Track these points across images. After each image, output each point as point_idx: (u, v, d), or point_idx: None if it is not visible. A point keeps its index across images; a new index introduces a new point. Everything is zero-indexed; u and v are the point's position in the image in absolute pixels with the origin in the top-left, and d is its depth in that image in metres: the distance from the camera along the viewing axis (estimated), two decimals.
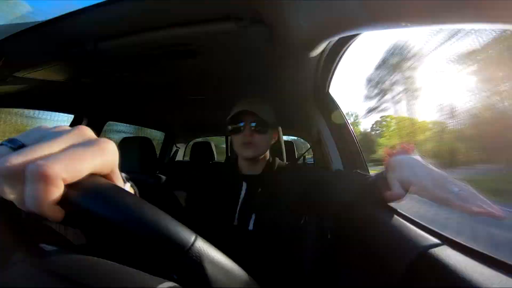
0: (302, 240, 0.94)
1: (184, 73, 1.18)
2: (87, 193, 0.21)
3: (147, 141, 1.77)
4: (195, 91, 1.49)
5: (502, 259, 0.41)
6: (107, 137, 0.27)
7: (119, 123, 2.21)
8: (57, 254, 0.29)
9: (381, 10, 0.50)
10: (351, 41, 0.91)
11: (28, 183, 0.20)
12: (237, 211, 0.85)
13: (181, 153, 3.04)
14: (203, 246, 0.23)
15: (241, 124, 0.89)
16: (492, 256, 0.43)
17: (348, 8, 0.57)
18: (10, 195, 0.21)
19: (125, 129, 2.46)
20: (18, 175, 0.20)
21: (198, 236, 0.24)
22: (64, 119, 1.66)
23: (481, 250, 0.45)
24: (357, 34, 0.82)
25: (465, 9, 0.27)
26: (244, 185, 0.89)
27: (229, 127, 0.92)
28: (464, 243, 0.49)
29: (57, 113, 1.61)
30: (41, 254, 0.28)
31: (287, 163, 1.04)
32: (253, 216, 0.84)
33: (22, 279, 0.25)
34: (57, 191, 0.20)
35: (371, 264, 0.69)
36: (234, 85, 1.36)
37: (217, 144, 3.02)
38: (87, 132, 0.25)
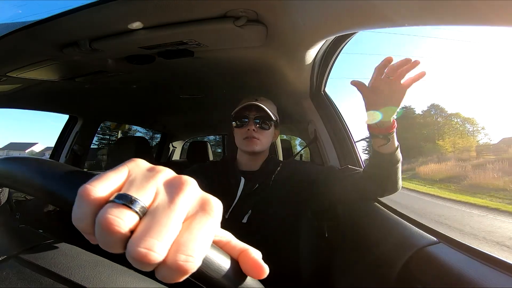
0: (298, 238, 0.95)
1: (180, 72, 1.17)
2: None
3: (143, 141, 1.76)
4: (192, 91, 1.48)
5: (498, 257, 0.42)
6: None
7: None
8: (50, 252, 0.29)
9: (377, 9, 0.51)
10: (348, 39, 0.92)
11: (168, 271, 0.19)
12: (233, 206, 0.85)
13: (178, 152, 3.03)
14: None
15: (246, 120, 0.92)
16: (488, 253, 0.43)
17: (345, 7, 0.58)
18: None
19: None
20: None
21: None
22: None
23: (477, 248, 0.46)
24: (354, 33, 0.83)
25: (464, 10, 0.27)
26: (242, 180, 0.90)
27: (234, 122, 0.95)
28: (460, 241, 0.49)
29: None
30: (33, 251, 0.28)
31: (283, 161, 1.05)
32: (249, 212, 0.85)
33: (14, 275, 0.25)
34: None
35: (367, 261, 0.70)
36: (231, 84, 1.36)
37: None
38: (197, 189, 0.23)
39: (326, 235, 1.09)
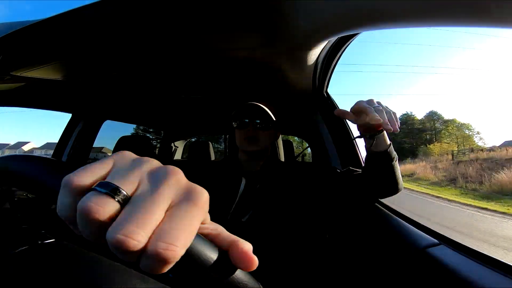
0: (299, 238, 0.95)
1: (182, 72, 1.17)
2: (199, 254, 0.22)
3: (145, 140, 1.76)
4: (193, 90, 1.48)
5: (499, 258, 0.42)
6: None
7: None
8: (51, 251, 0.29)
9: (381, 9, 0.50)
10: (350, 40, 0.92)
11: (148, 259, 0.18)
12: (234, 207, 0.85)
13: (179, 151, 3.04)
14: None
15: (246, 120, 0.92)
16: (489, 255, 0.43)
17: (347, 8, 0.57)
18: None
19: None
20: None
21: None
22: None
23: (478, 249, 0.46)
24: (356, 34, 0.83)
25: (467, 10, 0.27)
26: (243, 181, 0.90)
27: (234, 122, 0.95)
28: (461, 242, 0.49)
29: None
30: (34, 251, 0.28)
31: (284, 161, 1.06)
32: (250, 212, 0.85)
33: (15, 274, 0.25)
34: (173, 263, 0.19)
35: (368, 262, 0.70)
36: (233, 84, 1.36)
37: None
38: (182, 179, 0.22)
39: (327, 236, 1.09)
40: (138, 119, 2.36)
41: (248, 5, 0.66)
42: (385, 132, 0.74)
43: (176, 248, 0.18)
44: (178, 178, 0.22)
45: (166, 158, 2.75)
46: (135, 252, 0.18)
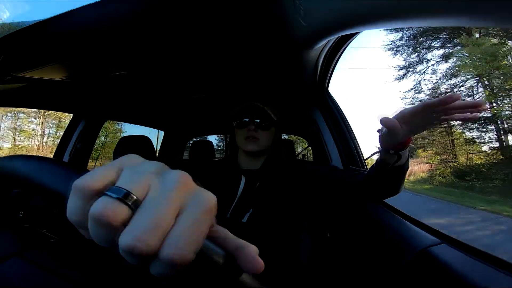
0: (299, 237, 0.95)
1: (183, 71, 1.17)
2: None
3: (146, 140, 1.77)
4: (195, 90, 1.48)
5: (501, 257, 0.42)
6: None
7: None
8: (53, 251, 0.29)
9: (382, 8, 0.50)
10: (351, 39, 0.91)
11: (161, 265, 0.19)
12: (234, 205, 0.85)
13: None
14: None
15: (246, 119, 0.92)
16: (491, 254, 0.43)
17: (349, 6, 0.57)
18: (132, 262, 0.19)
19: None
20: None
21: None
22: None
23: (480, 248, 0.46)
24: (357, 32, 0.82)
25: (469, 8, 0.27)
26: (243, 179, 0.90)
27: (234, 122, 0.95)
28: (463, 241, 0.49)
29: None
30: (37, 250, 0.28)
31: (285, 160, 1.05)
32: (250, 211, 0.85)
33: (18, 273, 0.25)
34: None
35: (369, 262, 0.70)
36: (233, 83, 1.36)
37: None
38: (191, 183, 0.22)
39: (328, 235, 1.09)
40: (139, 119, 2.36)
41: (250, 5, 0.66)
42: (407, 148, 0.67)
43: (187, 253, 0.19)
44: (187, 183, 0.22)
45: (168, 158, 2.76)
46: (147, 257, 0.18)
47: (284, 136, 3.72)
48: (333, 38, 0.81)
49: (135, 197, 0.20)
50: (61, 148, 1.66)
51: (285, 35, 0.80)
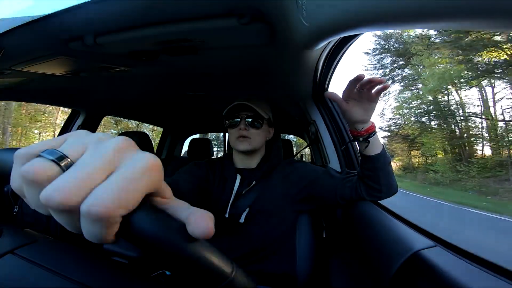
0: (295, 238, 0.95)
1: (183, 69, 1.17)
2: (139, 220, 0.20)
3: (144, 136, 1.76)
4: (195, 87, 1.48)
5: (494, 261, 0.42)
6: None
7: None
8: (46, 247, 0.29)
9: (384, 9, 0.50)
10: (352, 40, 0.91)
11: (85, 221, 0.18)
12: (230, 204, 0.86)
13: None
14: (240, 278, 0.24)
15: (237, 119, 0.92)
16: (484, 258, 0.44)
17: (350, 8, 0.57)
18: (65, 224, 0.19)
19: None
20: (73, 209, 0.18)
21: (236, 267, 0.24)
22: None
23: (473, 252, 0.46)
24: (358, 34, 0.82)
25: (471, 11, 0.27)
26: (238, 177, 0.90)
27: (226, 122, 0.95)
28: (457, 245, 0.49)
29: None
30: (30, 248, 0.29)
31: (281, 159, 1.05)
32: (247, 210, 0.85)
33: (11, 271, 0.25)
34: (115, 226, 0.19)
35: (363, 263, 0.70)
36: (234, 82, 1.36)
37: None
38: (132, 145, 0.22)
39: (324, 236, 1.10)
40: (138, 116, 2.36)
41: (250, 5, 0.66)
42: (377, 135, 0.76)
43: (110, 207, 0.18)
44: (127, 146, 0.21)
45: (167, 155, 2.75)
46: (69, 211, 0.18)
47: (290, 137, 3.73)
48: (334, 39, 0.81)
49: (69, 159, 0.20)
50: None
51: (287, 35, 0.80)
